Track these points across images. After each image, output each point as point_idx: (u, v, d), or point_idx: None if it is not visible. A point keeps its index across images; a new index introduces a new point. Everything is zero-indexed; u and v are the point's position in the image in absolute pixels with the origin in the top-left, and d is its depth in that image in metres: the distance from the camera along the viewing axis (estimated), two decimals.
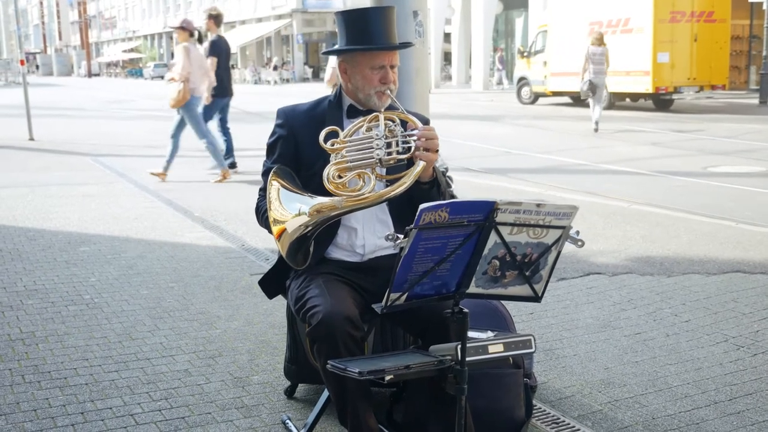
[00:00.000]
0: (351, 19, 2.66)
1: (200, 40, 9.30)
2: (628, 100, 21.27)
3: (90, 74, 72.28)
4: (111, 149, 12.72)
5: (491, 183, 9.21)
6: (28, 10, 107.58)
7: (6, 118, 18.57)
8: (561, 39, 21.41)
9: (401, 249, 2.05)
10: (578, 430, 3.01)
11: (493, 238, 2.12)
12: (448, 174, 3.39)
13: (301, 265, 2.59)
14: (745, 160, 10.84)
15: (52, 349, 3.81)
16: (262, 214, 2.73)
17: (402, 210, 2.68)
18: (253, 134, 12.80)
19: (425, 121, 2.66)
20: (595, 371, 3.60)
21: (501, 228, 2.11)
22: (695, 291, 4.77)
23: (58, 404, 3.19)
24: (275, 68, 49.99)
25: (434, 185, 2.62)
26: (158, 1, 72.64)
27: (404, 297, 2.17)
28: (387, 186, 2.51)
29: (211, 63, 9.35)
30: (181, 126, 9.08)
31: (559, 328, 4.18)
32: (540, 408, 3.18)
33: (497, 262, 2.18)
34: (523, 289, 2.27)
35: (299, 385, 3.28)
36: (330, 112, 2.75)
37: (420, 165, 2.48)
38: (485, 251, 2.14)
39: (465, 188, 7.97)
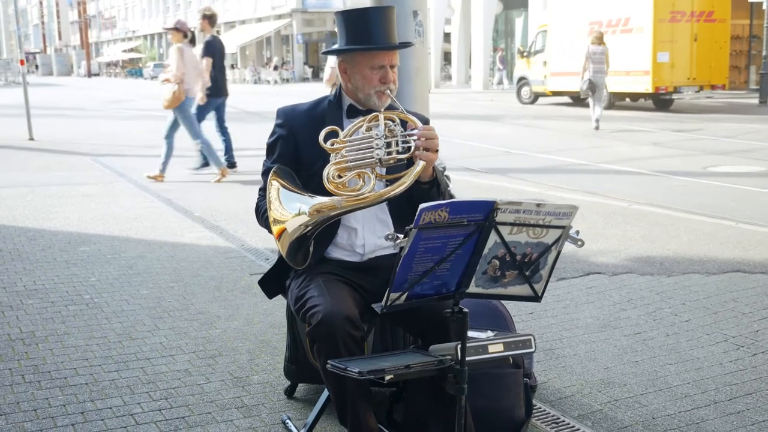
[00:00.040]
0: (351, 19, 2.66)
1: (193, 41, 9.26)
2: (627, 99, 21.27)
3: (90, 74, 72.19)
4: (111, 149, 12.72)
5: (491, 183, 9.20)
6: (27, 10, 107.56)
7: (6, 118, 18.56)
8: (561, 39, 21.42)
9: (401, 249, 2.05)
10: (578, 429, 3.01)
11: (493, 237, 2.12)
12: (445, 173, 3.38)
13: (301, 265, 2.59)
14: (745, 159, 10.84)
15: (52, 348, 3.81)
16: (262, 214, 2.73)
17: (402, 210, 2.69)
18: (252, 134, 12.81)
19: (425, 121, 2.66)
20: (595, 371, 3.60)
21: (501, 228, 2.11)
22: (695, 291, 4.77)
23: (58, 404, 3.19)
24: (275, 68, 50.02)
25: (434, 185, 2.62)
26: (158, 1, 72.65)
27: (404, 297, 2.17)
28: (387, 186, 2.51)
29: (206, 63, 9.33)
30: (174, 127, 9.07)
31: (559, 327, 4.18)
32: (540, 408, 3.18)
33: (497, 262, 2.18)
34: (523, 289, 2.27)
35: (299, 384, 3.29)
36: (330, 112, 2.75)
37: (420, 165, 2.48)
38: (485, 251, 2.14)
39: (465, 188, 7.98)
